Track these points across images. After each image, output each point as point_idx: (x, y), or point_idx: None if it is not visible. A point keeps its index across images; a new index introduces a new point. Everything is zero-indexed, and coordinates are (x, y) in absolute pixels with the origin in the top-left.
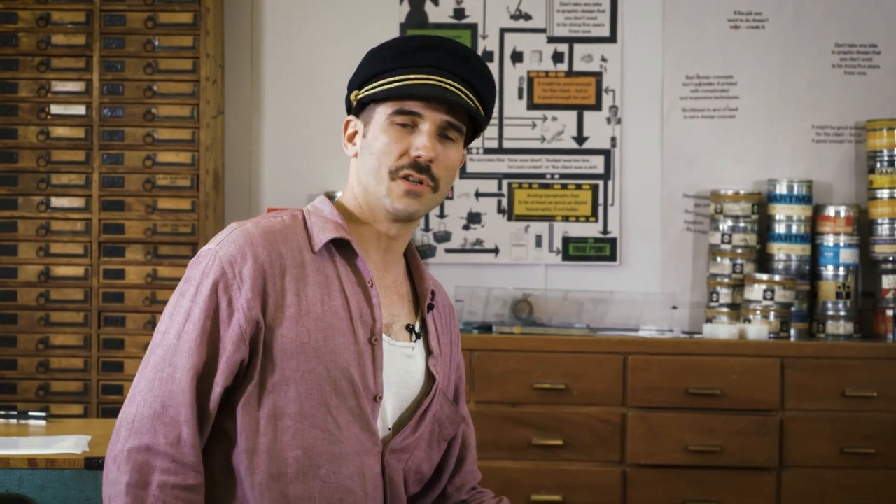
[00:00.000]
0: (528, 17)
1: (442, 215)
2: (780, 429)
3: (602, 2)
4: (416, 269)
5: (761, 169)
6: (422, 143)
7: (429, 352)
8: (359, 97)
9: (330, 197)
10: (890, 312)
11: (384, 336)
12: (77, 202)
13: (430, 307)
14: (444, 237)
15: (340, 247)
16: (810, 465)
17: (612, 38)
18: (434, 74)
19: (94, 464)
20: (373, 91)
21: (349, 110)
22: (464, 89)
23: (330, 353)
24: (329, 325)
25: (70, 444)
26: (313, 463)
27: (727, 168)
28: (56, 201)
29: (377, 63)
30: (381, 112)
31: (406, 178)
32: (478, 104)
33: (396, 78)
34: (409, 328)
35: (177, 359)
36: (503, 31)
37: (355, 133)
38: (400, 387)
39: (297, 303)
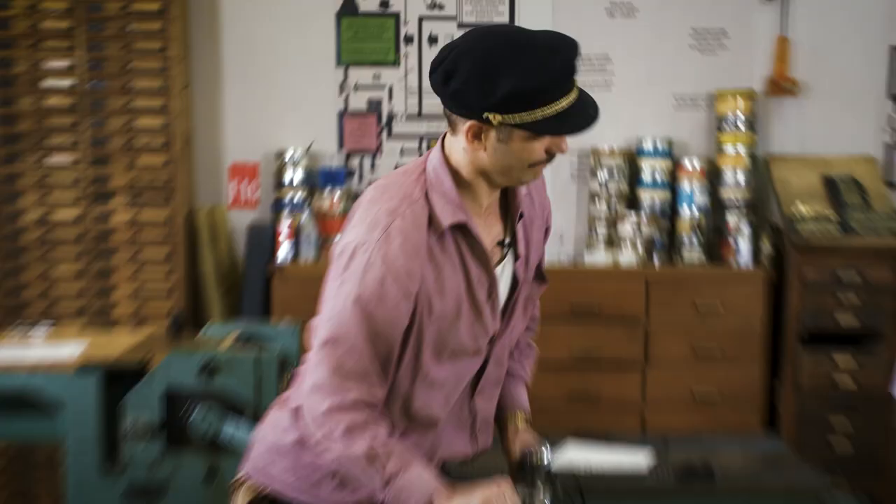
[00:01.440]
0: (441, 7)
1: (373, 168)
2: (646, 335)
3: None
4: (510, 190)
5: (631, 130)
6: (566, 146)
7: (516, 257)
8: (514, 122)
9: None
10: (732, 243)
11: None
12: (70, 158)
13: (521, 216)
14: None
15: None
16: (669, 363)
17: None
18: (565, 95)
19: (85, 368)
20: (530, 121)
21: (464, 107)
22: (574, 96)
23: (462, 311)
24: (458, 292)
25: (69, 349)
26: (442, 382)
27: (604, 130)
28: (51, 160)
29: (536, 86)
30: (532, 133)
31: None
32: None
33: (550, 109)
34: (500, 242)
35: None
36: (421, 18)
37: (484, 132)
38: (504, 288)
39: (438, 287)
